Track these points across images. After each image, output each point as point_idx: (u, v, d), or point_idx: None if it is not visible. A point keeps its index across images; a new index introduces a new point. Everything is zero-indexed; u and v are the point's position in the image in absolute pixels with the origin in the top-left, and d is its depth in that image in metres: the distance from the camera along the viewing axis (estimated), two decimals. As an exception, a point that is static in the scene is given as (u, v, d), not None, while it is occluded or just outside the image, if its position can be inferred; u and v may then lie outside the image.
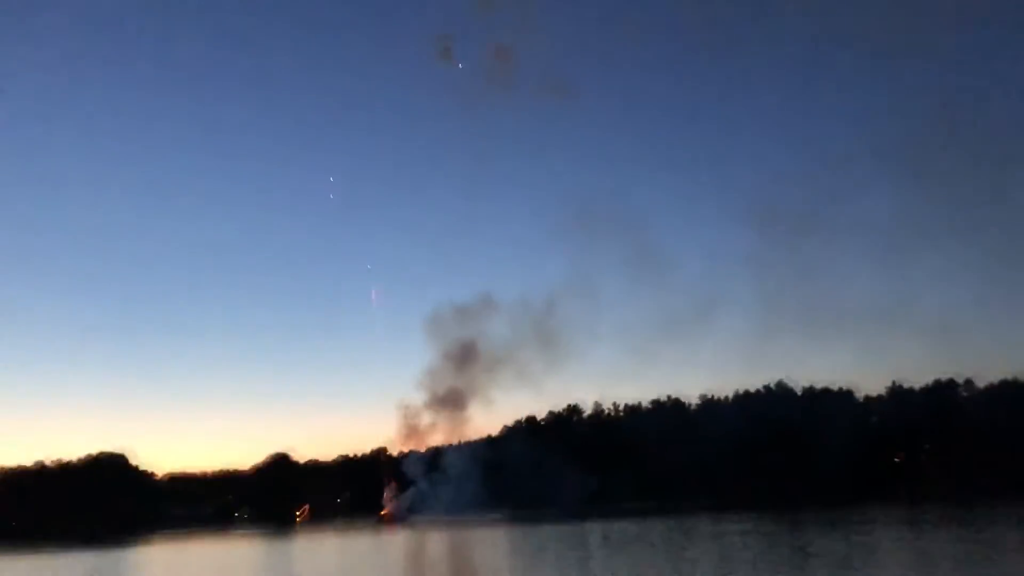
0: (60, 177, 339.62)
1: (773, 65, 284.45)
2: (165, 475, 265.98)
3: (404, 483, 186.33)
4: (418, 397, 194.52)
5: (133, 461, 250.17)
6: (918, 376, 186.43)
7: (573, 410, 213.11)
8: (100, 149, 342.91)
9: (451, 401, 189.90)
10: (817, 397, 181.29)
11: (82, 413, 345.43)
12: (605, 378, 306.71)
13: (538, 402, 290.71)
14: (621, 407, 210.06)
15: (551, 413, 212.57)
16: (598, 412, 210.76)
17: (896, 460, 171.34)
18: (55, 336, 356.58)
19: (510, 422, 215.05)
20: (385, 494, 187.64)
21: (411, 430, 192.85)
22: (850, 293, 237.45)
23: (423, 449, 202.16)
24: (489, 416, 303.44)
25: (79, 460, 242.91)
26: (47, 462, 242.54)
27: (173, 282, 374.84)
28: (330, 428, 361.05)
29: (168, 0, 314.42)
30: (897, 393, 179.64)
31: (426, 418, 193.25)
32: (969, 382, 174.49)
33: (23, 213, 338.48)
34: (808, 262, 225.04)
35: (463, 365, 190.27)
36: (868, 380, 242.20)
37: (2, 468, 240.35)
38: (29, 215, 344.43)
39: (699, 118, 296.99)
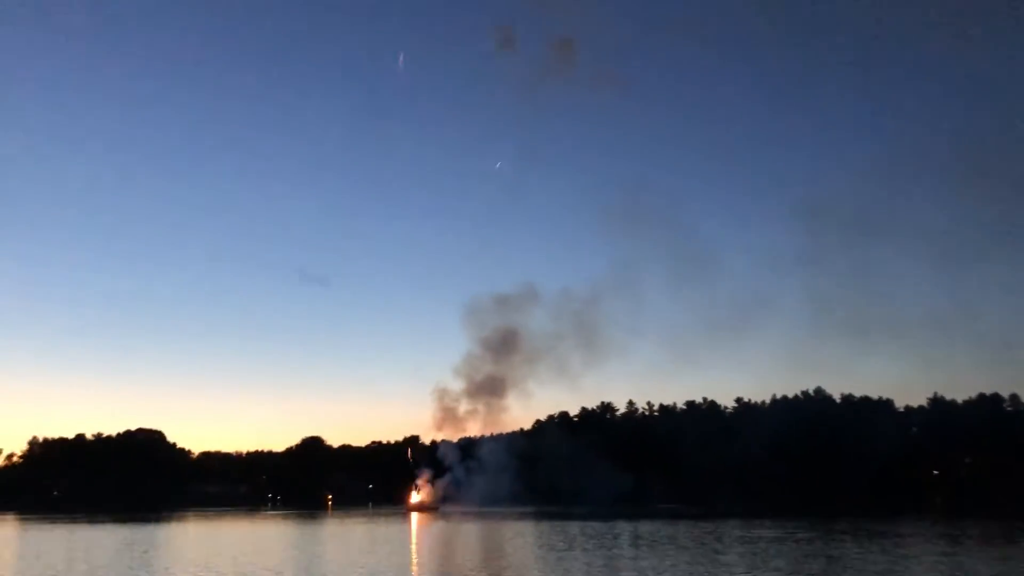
0: (108, 159, 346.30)
1: (831, 63, 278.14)
2: (200, 453, 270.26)
3: (436, 472, 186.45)
4: (455, 384, 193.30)
5: (170, 439, 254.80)
6: (962, 388, 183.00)
7: (608, 408, 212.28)
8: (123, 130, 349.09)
9: (489, 388, 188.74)
10: (856, 405, 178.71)
11: (122, 390, 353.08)
12: (643, 377, 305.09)
13: (574, 397, 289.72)
14: (656, 407, 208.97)
15: (585, 409, 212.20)
16: (633, 411, 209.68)
17: (935, 472, 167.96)
18: (98, 315, 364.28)
19: (544, 416, 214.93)
20: (416, 482, 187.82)
21: (447, 414, 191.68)
22: (899, 300, 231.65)
23: (457, 438, 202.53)
24: (525, 409, 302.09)
25: (117, 435, 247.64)
26: (87, 435, 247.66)
27: (215, 268, 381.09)
28: (363, 414, 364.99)
29: None
30: (939, 405, 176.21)
31: (463, 405, 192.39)
32: (1015, 397, 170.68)
33: (77, 192, 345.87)
34: (859, 266, 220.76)
35: (503, 353, 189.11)
36: (909, 390, 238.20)
37: (45, 439, 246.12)
38: (79, 195, 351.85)
39: (752, 115, 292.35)
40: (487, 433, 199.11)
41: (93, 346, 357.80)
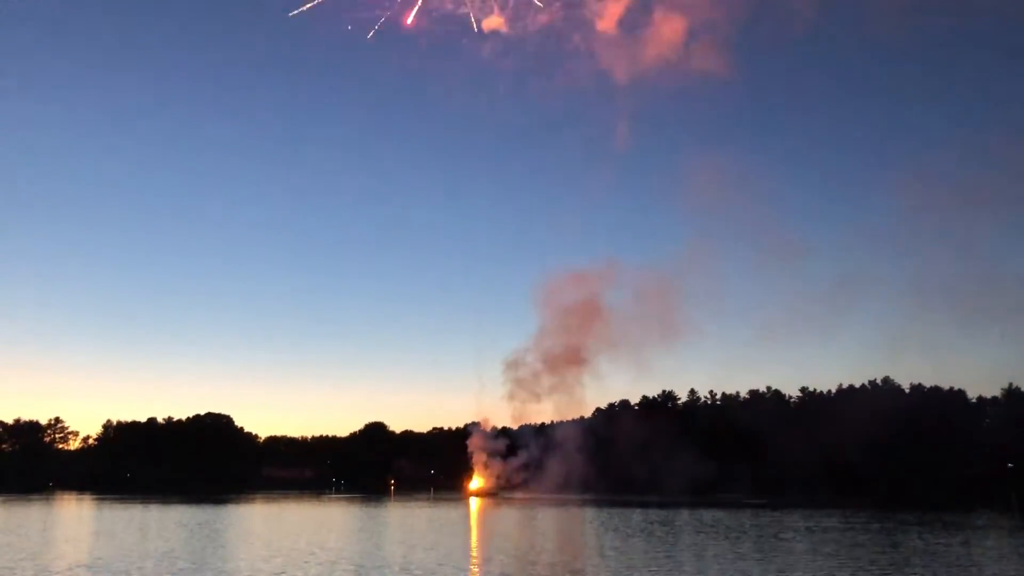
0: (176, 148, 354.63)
1: (933, 33, 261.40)
2: (267, 438, 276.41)
3: (499, 457, 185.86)
4: (529, 356, 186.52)
5: (237, 423, 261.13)
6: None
7: (689, 393, 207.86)
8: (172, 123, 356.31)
9: (565, 360, 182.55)
10: (926, 395, 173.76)
11: (192, 376, 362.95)
12: (723, 361, 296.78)
13: (650, 382, 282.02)
14: (737, 393, 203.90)
15: (663, 392, 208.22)
16: (713, 397, 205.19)
17: (1009, 466, 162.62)
18: (169, 304, 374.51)
19: (617, 400, 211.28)
20: (476, 467, 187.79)
21: (520, 387, 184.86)
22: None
23: (520, 423, 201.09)
24: (597, 392, 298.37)
25: (187, 419, 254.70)
26: (159, 419, 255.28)
27: (281, 258, 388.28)
28: (425, 400, 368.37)
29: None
30: (1014, 396, 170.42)
31: (537, 377, 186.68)
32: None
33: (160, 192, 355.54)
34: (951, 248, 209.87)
35: (581, 325, 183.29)
36: (983, 381, 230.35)
37: (119, 422, 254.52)
38: (161, 185, 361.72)
39: (841, 83, 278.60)
40: (559, 417, 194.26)
41: (165, 333, 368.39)
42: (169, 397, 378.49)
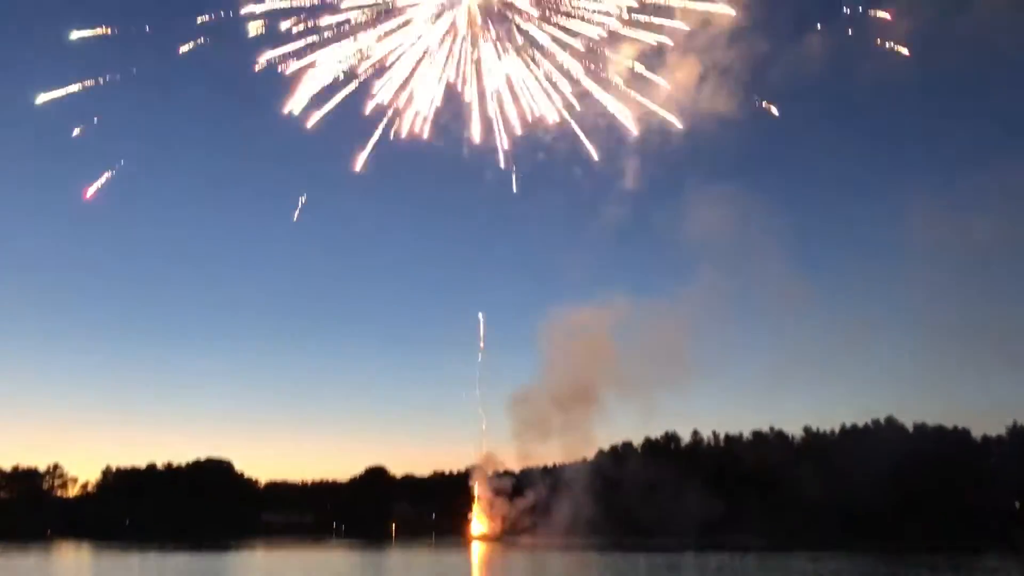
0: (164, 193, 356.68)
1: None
2: (267, 483, 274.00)
3: (503, 499, 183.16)
4: (535, 394, 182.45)
5: (237, 468, 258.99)
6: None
7: (694, 435, 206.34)
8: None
9: (575, 397, 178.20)
10: (930, 435, 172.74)
11: (192, 420, 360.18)
12: (733, 401, 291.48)
13: (656, 421, 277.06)
14: (723, 436, 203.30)
15: (668, 434, 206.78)
16: (716, 439, 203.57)
17: (1017, 505, 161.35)
18: (169, 348, 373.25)
19: (621, 441, 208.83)
20: (477, 511, 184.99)
21: (525, 424, 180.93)
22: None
23: (522, 468, 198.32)
24: (603, 432, 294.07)
25: (186, 464, 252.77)
26: (158, 464, 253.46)
27: (279, 301, 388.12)
28: (426, 442, 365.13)
29: None
30: (1019, 434, 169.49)
31: (545, 417, 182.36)
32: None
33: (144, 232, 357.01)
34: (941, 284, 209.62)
35: (590, 361, 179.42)
36: (988, 420, 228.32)
37: (118, 468, 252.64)
38: (155, 238, 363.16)
39: (849, 125, 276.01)
40: (566, 457, 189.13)
41: (164, 378, 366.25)
42: (168, 443, 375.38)
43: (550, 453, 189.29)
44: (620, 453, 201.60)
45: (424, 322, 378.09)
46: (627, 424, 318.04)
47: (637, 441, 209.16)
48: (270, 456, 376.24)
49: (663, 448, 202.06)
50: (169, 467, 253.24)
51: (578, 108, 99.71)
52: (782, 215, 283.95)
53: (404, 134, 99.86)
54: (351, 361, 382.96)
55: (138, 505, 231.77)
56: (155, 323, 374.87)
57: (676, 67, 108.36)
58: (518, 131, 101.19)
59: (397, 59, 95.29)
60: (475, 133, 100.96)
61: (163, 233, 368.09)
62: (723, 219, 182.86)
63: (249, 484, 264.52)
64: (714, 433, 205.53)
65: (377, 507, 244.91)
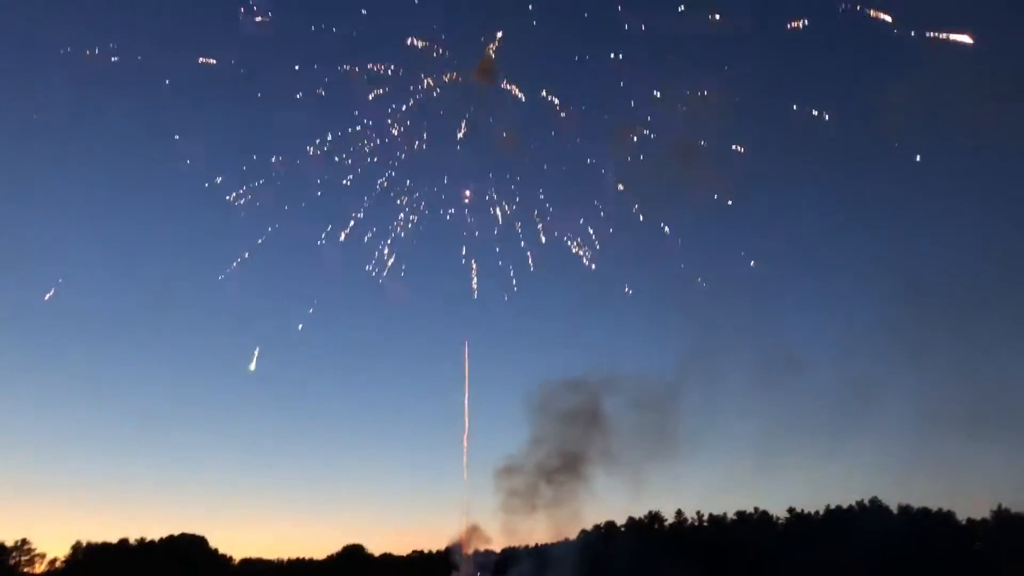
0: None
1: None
2: (241, 560, 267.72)
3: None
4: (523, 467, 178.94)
5: (212, 544, 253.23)
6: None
7: (677, 514, 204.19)
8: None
9: (563, 467, 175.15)
10: (914, 517, 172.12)
11: (165, 496, 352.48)
12: (709, 481, 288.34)
13: (641, 499, 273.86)
14: (707, 516, 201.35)
15: (651, 513, 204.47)
16: (700, 519, 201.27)
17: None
18: (141, 420, 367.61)
19: (604, 520, 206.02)
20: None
21: (513, 497, 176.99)
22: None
23: (502, 548, 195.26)
24: (588, 510, 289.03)
25: (160, 540, 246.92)
26: (130, 540, 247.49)
27: (256, 374, 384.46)
28: (405, 520, 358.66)
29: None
30: (1003, 518, 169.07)
31: (534, 490, 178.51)
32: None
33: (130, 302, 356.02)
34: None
35: (579, 434, 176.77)
36: (970, 501, 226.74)
37: (89, 543, 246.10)
38: (130, 311, 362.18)
39: (842, 191, 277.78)
40: (553, 533, 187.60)
41: (137, 451, 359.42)
42: (141, 517, 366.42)
43: (537, 528, 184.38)
44: (604, 532, 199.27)
45: (405, 396, 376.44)
46: (611, 502, 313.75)
47: (621, 520, 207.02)
48: (245, 532, 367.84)
49: (647, 528, 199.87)
50: (142, 542, 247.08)
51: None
52: (773, 285, 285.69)
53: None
54: (328, 435, 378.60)
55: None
56: (127, 394, 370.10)
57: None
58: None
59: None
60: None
61: (141, 301, 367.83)
62: (711, 288, 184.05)
63: (223, 561, 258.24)
64: (698, 513, 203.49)
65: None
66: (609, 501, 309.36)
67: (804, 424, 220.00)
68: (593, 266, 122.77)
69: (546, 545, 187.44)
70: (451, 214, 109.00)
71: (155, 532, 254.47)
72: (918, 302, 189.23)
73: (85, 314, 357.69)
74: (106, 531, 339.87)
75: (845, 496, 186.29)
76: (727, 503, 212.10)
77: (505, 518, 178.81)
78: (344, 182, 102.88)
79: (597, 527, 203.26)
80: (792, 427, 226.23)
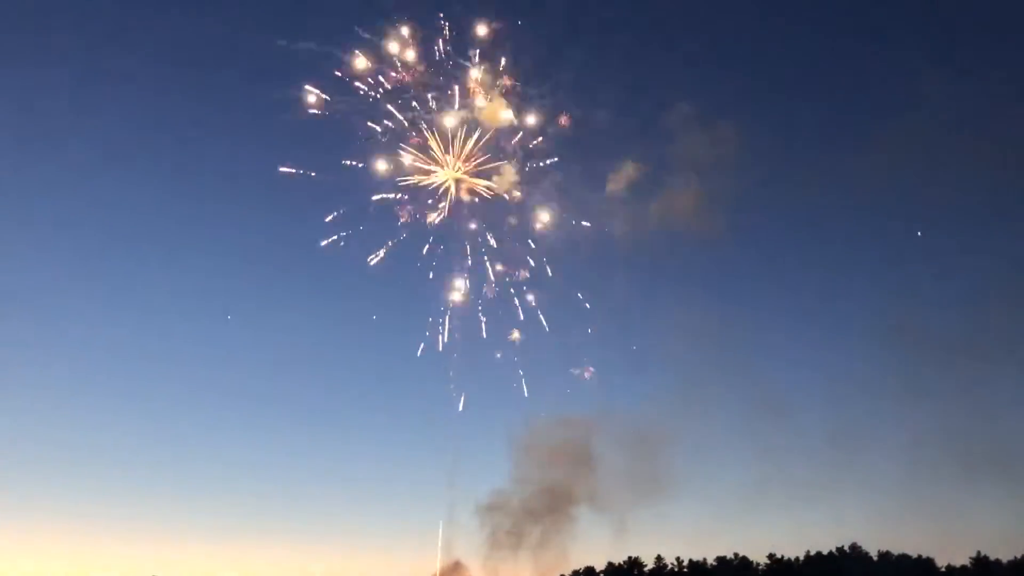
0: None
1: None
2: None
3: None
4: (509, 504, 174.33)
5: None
6: (1007, 548, 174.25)
7: (657, 560, 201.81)
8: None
9: (550, 505, 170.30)
10: (894, 564, 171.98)
11: (136, 537, 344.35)
12: (689, 526, 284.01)
13: (619, 545, 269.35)
14: (687, 562, 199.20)
15: (631, 559, 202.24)
16: (680, 565, 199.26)
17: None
18: (111, 462, 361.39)
19: (584, 566, 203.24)
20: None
21: (498, 534, 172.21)
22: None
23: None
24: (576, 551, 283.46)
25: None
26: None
27: (240, 407, 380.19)
28: (387, 552, 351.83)
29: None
30: (982, 564, 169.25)
31: (520, 528, 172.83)
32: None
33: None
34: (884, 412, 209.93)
35: (566, 473, 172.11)
36: (950, 549, 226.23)
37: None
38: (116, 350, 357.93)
39: (834, 231, 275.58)
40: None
41: (110, 496, 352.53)
42: (119, 554, 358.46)
43: (522, 569, 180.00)
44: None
45: (391, 425, 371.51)
46: (589, 546, 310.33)
47: (600, 565, 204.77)
48: (225, 565, 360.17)
49: (627, 574, 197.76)
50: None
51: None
52: (761, 329, 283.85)
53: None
54: (307, 472, 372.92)
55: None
56: (93, 438, 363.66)
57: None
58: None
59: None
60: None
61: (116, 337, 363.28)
62: (701, 332, 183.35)
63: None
64: (678, 559, 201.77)
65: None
66: (587, 544, 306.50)
67: (786, 470, 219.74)
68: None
69: None
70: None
71: (135, 573, 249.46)
72: (904, 350, 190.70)
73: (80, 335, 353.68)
74: (84, 573, 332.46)
75: (826, 542, 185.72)
76: (708, 548, 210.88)
77: (488, 555, 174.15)
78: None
79: (576, 572, 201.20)
80: (774, 473, 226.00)
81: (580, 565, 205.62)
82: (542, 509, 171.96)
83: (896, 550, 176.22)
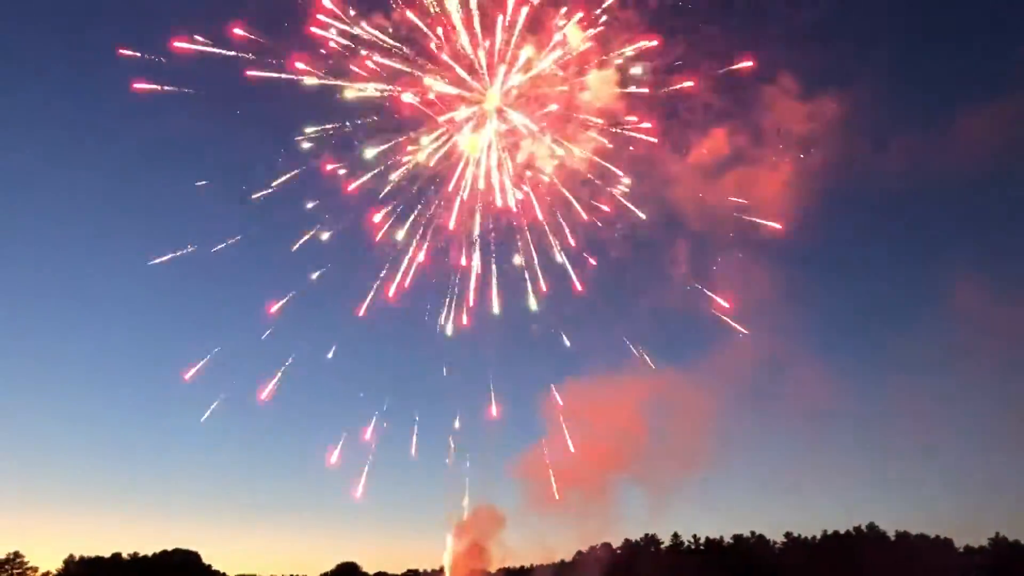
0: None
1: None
2: (235, 575, 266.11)
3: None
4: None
5: (205, 559, 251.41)
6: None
7: (674, 537, 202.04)
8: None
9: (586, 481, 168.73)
10: (912, 544, 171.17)
11: (159, 511, 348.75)
12: (708, 506, 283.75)
13: (633, 523, 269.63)
14: (703, 540, 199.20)
15: (648, 536, 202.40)
16: (696, 542, 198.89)
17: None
18: (135, 436, 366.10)
19: (601, 542, 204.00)
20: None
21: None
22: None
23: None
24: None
25: (153, 555, 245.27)
26: (123, 554, 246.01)
27: (251, 391, 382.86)
28: (398, 539, 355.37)
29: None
30: (1001, 545, 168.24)
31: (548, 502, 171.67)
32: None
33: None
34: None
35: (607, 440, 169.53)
36: (970, 529, 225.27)
37: (81, 557, 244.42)
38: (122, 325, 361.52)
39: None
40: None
41: (131, 465, 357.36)
42: (135, 531, 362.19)
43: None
44: (596, 555, 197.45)
45: (402, 411, 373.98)
46: (605, 522, 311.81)
47: (616, 543, 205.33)
48: (239, 548, 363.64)
49: (644, 550, 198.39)
50: (135, 556, 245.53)
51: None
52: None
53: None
54: (322, 451, 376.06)
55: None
56: (120, 408, 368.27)
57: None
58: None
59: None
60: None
61: (135, 318, 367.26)
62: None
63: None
64: (695, 537, 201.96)
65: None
66: (625, 518, 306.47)
67: (801, 448, 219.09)
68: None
69: (532, 566, 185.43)
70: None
71: (148, 547, 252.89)
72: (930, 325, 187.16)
73: (86, 327, 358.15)
74: (99, 545, 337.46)
75: (843, 521, 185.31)
76: (724, 527, 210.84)
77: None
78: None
79: (592, 547, 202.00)
80: (791, 451, 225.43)
81: (597, 541, 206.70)
82: (581, 479, 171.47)
83: (914, 530, 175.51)
